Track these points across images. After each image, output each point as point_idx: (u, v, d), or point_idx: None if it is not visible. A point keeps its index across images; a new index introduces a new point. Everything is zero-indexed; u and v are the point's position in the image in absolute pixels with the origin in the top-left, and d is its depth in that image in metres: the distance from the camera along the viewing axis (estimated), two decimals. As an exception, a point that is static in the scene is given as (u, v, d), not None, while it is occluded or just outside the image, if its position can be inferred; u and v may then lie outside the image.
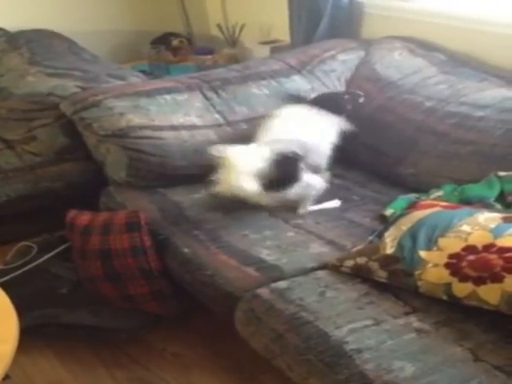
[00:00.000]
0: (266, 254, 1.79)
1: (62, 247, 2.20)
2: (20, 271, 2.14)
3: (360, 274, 1.63)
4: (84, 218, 2.07)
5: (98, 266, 1.98)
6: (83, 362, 1.99)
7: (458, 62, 2.34)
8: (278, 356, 1.52)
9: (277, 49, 3.02)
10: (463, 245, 1.51)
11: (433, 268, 1.51)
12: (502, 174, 1.84)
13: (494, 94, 2.08)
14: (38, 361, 1.99)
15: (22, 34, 3.14)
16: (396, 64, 2.44)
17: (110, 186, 2.30)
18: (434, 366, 1.32)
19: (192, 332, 2.07)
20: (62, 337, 2.04)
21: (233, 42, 3.28)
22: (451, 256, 1.50)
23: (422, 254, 1.55)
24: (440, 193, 1.88)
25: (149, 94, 2.37)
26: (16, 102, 2.63)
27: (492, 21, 2.32)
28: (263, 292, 1.63)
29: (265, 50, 3.07)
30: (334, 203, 2.05)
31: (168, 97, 2.37)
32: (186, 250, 1.88)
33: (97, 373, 1.95)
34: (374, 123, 2.30)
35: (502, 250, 1.45)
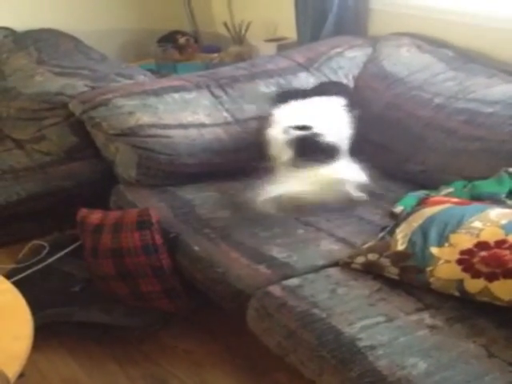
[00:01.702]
0: (277, 252, 1.80)
1: (74, 246, 2.21)
2: (32, 270, 2.16)
3: (371, 271, 1.64)
4: (95, 216, 2.08)
5: (109, 264, 1.98)
6: (96, 360, 2.00)
7: (467, 59, 2.33)
8: (291, 353, 1.53)
9: (283, 46, 3.02)
10: (475, 241, 1.51)
11: (444, 264, 1.52)
12: (512, 170, 1.85)
13: (503, 90, 2.08)
14: (52, 358, 2.00)
15: (28, 33, 3.15)
16: (404, 61, 2.44)
17: (121, 184, 2.31)
18: (448, 362, 1.33)
19: (204, 329, 2.08)
20: (75, 334, 2.06)
21: (239, 39, 3.28)
22: (463, 252, 1.51)
23: (434, 250, 1.55)
24: (450, 189, 1.88)
25: (157, 92, 2.38)
26: (25, 102, 2.64)
27: (500, 17, 2.31)
28: (275, 289, 1.64)
29: (271, 48, 3.06)
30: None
31: (176, 95, 2.37)
32: (196, 248, 1.89)
33: (110, 370, 1.97)
34: (382, 120, 2.30)
35: (514, 246, 1.45)
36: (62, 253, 2.20)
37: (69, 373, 1.97)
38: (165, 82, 2.50)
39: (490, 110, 2.02)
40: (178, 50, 3.40)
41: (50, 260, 2.19)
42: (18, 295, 1.54)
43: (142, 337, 2.05)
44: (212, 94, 2.42)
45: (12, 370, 1.29)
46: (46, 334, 1.90)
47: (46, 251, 2.23)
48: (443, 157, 2.08)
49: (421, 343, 1.39)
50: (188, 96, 2.39)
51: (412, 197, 1.93)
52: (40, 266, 2.17)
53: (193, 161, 2.26)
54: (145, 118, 2.28)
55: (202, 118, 2.34)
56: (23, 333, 1.40)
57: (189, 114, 2.34)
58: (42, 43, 3.06)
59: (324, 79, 2.53)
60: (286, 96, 2.32)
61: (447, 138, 2.09)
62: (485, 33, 2.35)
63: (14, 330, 1.43)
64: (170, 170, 2.26)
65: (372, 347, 1.39)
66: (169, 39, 3.42)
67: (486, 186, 1.84)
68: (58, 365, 1.99)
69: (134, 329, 2.03)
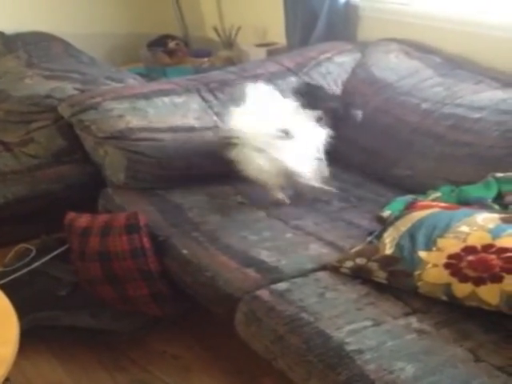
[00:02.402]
0: (266, 256, 1.80)
1: (61, 249, 2.20)
2: (19, 273, 2.14)
3: (360, 275, 1.64)
4: (83, 220, 2.07)
5: (97, 268, 1.97)
6: (83, 365, 1.99)
7: (454, 65, 2.35)
8: (279, 357, 1.52)
9: (273, 51, 3.03)
10: (462, 245, 1.52)
11: (432, 268, 1.52)
12: (499, 175, 1.85)
13: (490, 96, 2.09)
14: (38, 363, 1.99)
15: (18, 36, 3.14)
16: (392, 66, 2.46)
17: (109, 187, 2.30)
18: (435, 366, 1.33)
19: (192, 334, 2.07)
20: (62, 339, 2.04)
21: (229, 44, 3.29)
22: (450, 256, 1.52)
23: (422, 254, 1.56)
24: (438, 194, 1.89)
25: (147, 96, 2.38)
26: (14, 105, 2.63)
27: (487, 23, 2.34)
28: (263, 293, 1.64)
29: (261, 53, 3.07)
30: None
31: (166, 99, 2.38)
32: (185, 252, 1.88)
33: (97, 375, 1.96)
34: (370, 125, 2.30)
35: (501, 251, 1.46)
36: (49, 256, 2.19)
37: (55, 378, 1.95)
38: (155, 86, 2.51)
39: (477, 115, 2.04)
40: (168, 54, 3.41)
41: (36, 264, 2.18)
42: (5, 299, 1.53)
43: (130, 341, 2.04)
44: (202, 97, 2.43)
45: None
46: (32, 338, 1.87)
47: (32, 255, 2.22)
48: (431, 162, 2.09)
49: (409, 347, 1.39)
50: (178, 100, 2.40)
51: (400, 201, 1.94)
52: (27, 270, 2.16)
53: (182, 164, 2.27)
54: (134, 122, 2.29)
55: (192, 121, 2.35)
56: (9, 337, 1.39)
57: (178, 118, 2.34)
58: (32, 46, 3.06)
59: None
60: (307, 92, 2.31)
61: (435, 143, 2.10)
62: (472, 39, 2.37)
63: (0, 334, 1.41)
64: (159, 174, 2.26)
65: (360, 351, 1.39)
66: (159, 43, 3.43)
67: (473, 191, 1.85)
68: (44, 370, 1.98)
69: (121, 333, 2.02)
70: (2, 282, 2.07)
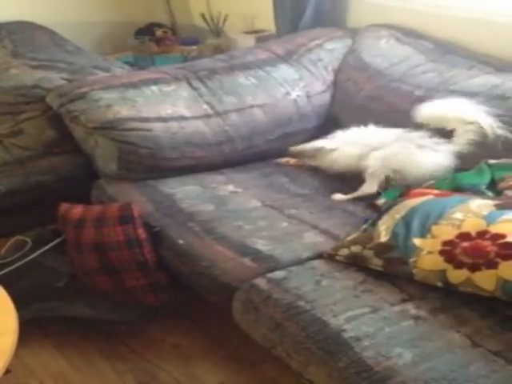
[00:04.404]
0: (262, 245, 1.80)
1: (57, 241, 2.19)
2: (16, 265, 2.14)
3: (355, 263, 1.65)
4: (76, 211, 2.06)
5: (93, 259, 1.97)
6: (83, 354, 2.00)
7: (446, 50, 2.34)
8: (278, 345, 1.54)
9: (262, 38, 3.01)
10: (457, 232, 1.53)
11: (427, 255, 1.53)
12: (492, 161, 1.87)
13: (482, 81, 2.09)
14: (38, 353, 2.00)
15: (2, 26, 3.09)
16: (383, 52, 2.45)
17: (101, 178, 2.29)
18: (433, 351, 1.35)
19: (191, 322, 2.08)
20: (61, 329, 2.05)
21: (217, 32, 3.26)
22: (445, 243, 1.53)
23: (416, 241, 1.57)
24: (431, 181, 1.90)
25: (135, 85, 2.35)
26: (1, 96, 2.60)
27: (479, 8, 2.33)
28: (260, 282, 1.65)
29: (250, 40, 3.05)
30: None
31: (155, 88, 2.35)
32: (181, 242, 1.88)
33: (97, 364, 1.96)
34: (363, 113, 2.30)
35: (496, 237, 1.47)
36: (45, 248, 2.18)
37: (57, 368, 1.96)
38: (143, 75, 2.48)
39: (470, 101, 2.02)
40: (156, 42, 3.38)
41: (33, 255, 2.17)
42: (2, 291, 1.53)
43: (129, 331, 2.05)
44: (191, 86, 2.41)
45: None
46: (32, 329, 1.91)
47: (29, 246, 2.21)
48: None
49: (406, 333, 1.41)
50: (167, 88, 2.37)
51: (394, 189, 1.95)
52: (24, 261, 2.15)
53: (174, 154, 2.25)
54: (123, 111, 2.26)
55: (182, 110, 2.33)
56: (8, 328, 1.39)
57: (168, 107, 2.32)
58: (17, 36, 3.01)
59: (304, 71, 2.53)
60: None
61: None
62: (464, 24, 2.36)
63: (-1, 325, 1.41)
64: (151, 164, 2.24)
65: (357, 338, 1.41)
66: (146, 32, 3.40)
67: (466, 178, 1.86)
68: (45, 360, 1.99)
69: (119, 323, 2.03)
70: (0, 273, 2.07)
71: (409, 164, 1.98)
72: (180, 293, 1.96)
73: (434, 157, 1.97)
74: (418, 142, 2.01)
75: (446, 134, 2.02)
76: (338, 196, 2.05)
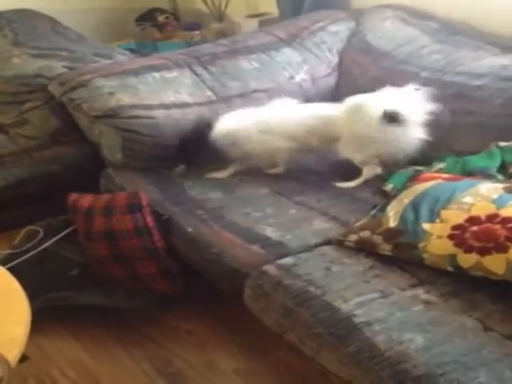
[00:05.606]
0: (270, 231, 1.81)
1: (68, 230, 2.20)
2: (29, 255, 2.14)
3: (364, 248, 1.65)
4: (85, 200, 2.07)
5: (104, 247, 1.98)
6: (100, 341, 2.01)
7: (452, 31, 2.32)
8: (289, 331, 1.54)
9: (265, 22, 3.00)
10: (466, 216, 1.53)
11: (437, 240, 1.53)
12: (502, 144, 1.85)
13: (490, 62, 2.07)
14: (56, 341, 2.01)
15: (2, 14, 3.08)
16: (388, 34, 2.43)
17: (109, 167, 2.29)
18: (444, 336, 1.35)
19: (206, 309, 2.08)
20: (77, 318, 2.06)
21: (219, 16, 3.24)
22: (454, 227, 1.52)
23: (426, 226, 1.57)
24: (442, 165, 1.89)
25: (137, 72, 2.33)
26: (3, 85, 2.60)
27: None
28: (270, 268, 1.65)
29: (253, 24, 3.04)
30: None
31: (157, 74, 2.34)
32: (190, 230, 1.89)
33: (114, 351, 1.98)
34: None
35: (506, 221, 1.47)
36: (58, 237, 2.18)
37: (74, 355, 1.97)
38: (144, 62, 2.46)
39: (478, 82, 2.02)
40: (158, 28, 3.36)
41: (46, 244, 2.17)
42: (14, 281, 1.53)
43: (145, 318, 2.06)
44: (193, 72, 2.39)
45: (11, 355, 1.27)
46: (48, 317, 1.92)
47: (40, 236, 2.22)
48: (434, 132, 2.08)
49: (417, 318, 1.41)
50: (169, 75, 2.35)
51: (402, 174, 1.94)
52: (36, 251, 2.16)
53: (178, 142, 2.22)
54: (126, 99, 2.24)
55: (185, 97, 2.31)
56: (21, 318, 1.39)
57: (171, 94, 2.30)
58: (18, 24, 3.00)
59: (308, 54, 2.52)
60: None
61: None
62: (469, 4, 2.34)
63: (12, 315, 1.42)
64: (156, 152, 2.24)
65: (368, 323, 1.41)
66: (148, 18, 3.38)
67: (477, 161, 1.85)
68: (62, 347, 2.00)
69: (133, 311, 2.04)
70: (14, 263, 2.07)
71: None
72: (193, 280, 1.96)
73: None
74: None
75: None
76: (345, 184, 2.04)
